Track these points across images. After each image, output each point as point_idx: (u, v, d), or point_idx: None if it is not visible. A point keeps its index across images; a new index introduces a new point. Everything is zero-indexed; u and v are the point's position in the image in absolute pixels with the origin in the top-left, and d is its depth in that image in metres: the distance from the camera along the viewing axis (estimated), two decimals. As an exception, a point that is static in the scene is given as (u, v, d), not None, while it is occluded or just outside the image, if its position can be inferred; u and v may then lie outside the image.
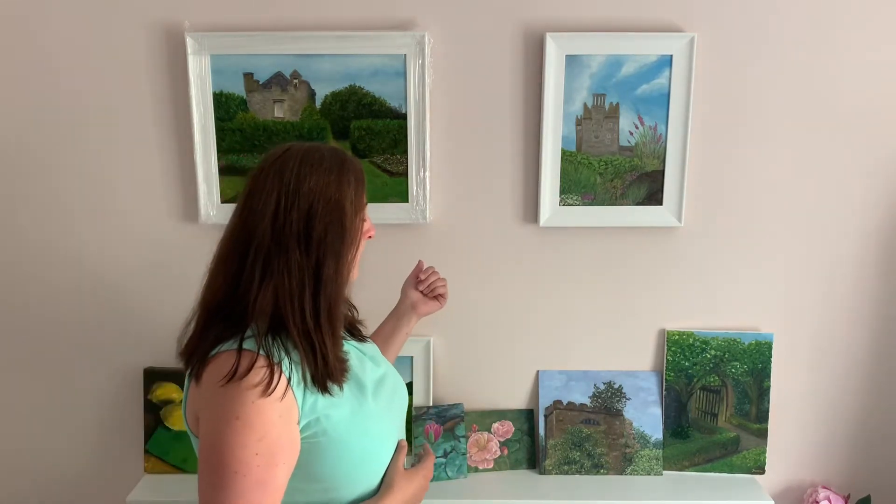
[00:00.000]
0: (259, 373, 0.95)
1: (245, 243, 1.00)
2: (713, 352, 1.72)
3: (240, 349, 0.97)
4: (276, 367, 0.96)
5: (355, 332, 1.25)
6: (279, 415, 0.96)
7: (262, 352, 0.97)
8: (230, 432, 0.93)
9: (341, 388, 1.04)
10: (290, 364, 0.99)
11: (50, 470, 1.79)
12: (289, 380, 0.98)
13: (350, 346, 1.16)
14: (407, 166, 1.63)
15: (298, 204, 1.00)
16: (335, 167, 1.04)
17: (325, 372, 1.01)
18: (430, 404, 1.73)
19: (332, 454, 1.03)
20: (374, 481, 1.10)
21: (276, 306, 0.99)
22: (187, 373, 1.03)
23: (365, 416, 1.07)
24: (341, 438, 1.03)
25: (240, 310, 1.00)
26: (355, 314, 1.27)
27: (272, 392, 0.95)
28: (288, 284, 0.99)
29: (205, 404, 0.98)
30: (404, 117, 1.60)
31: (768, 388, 1.72)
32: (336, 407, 1.02)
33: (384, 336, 1.42)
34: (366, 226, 1.12)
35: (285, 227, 0.99)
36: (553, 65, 1.58)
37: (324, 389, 1.01)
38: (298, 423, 0.99)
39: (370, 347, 1.24)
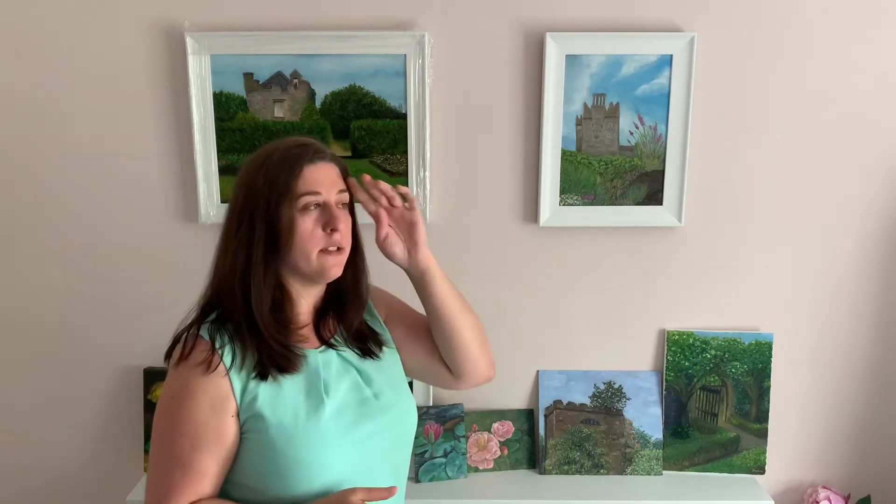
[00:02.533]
0: (199, 355, 1.01)
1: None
2: (713, 352, 1.72)
3: (187, 332, 1.05)
4: (216, 352, 1.02)
5: (366, 346, 1.16)
6: (210, 402, 1.00)
7: (206, 336, 1.03)
8: (164, 410, 1.03)
9: (275, 377, 1.04)
10: (233, 350, 1.03)
11: (50, 470, 1.79)
12: (228, 367, 1.02)
13: (335, 357, 1.11)
14: (407, 166, 1.63)
15: (236, 197, 1.06)
16: (264, 156, 1.07)
17: (266, 357, 1.03)
18: (430, 404, 1.73)
19: (257, 455, 1.03)
20: (314, 496, 1.03)
21: (218, 293, 1.06)
22: None
23: (311, 429, 1.03)
24: (271, 443, 1.02)
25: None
26: (376, 327, 1.20)
27: (211, 372, 1.00)
28: (222, 272, 1.05)
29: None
30: (404, 117, 1.60)
31: (768, 388, 1.72)
32: (275, 410, 1.02)
33: (433, 318, 1.18)
34: (320, 218, 1.05)
35: (226, 221, 1.07)
36: (553, 65, 1.58)
37: (263, 376, 1.03)
38: (238, 416, 1.02)
39: (375, 366, 1.16)
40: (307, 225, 1.05)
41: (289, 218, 1.04)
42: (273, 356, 1.04)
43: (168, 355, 1.06)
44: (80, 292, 1.70)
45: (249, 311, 1.03)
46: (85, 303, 1.70)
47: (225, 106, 1.60)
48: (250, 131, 1.61)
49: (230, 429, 1.02)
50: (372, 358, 1.16)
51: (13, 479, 1.79)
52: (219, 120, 1.61)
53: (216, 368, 1.01)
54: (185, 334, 1.05)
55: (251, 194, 1.04)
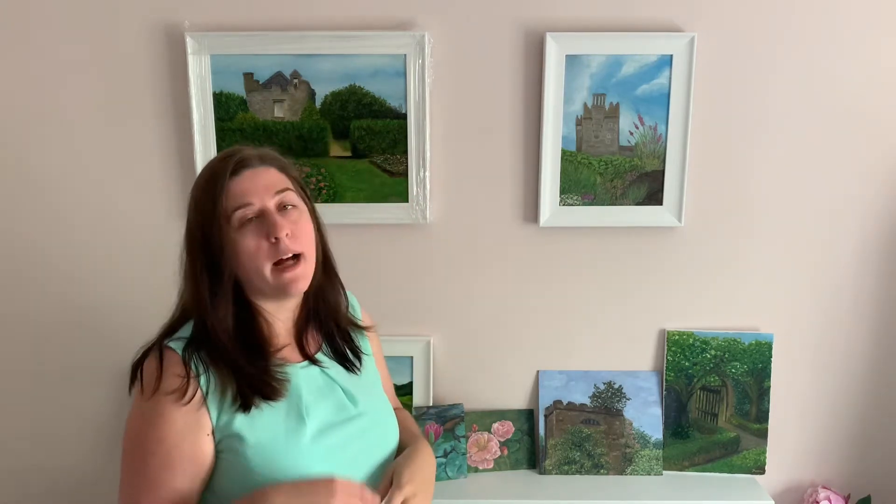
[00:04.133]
0: (174, 381, 0.96)
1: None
2: (713, 352, 1.72)
3: (160, 347, 1.00)
4: (192, 380, 0.97)
5: (347, 362, 1.13)
6: (184, 423, 0.96)
7: (183, 357, 0.98)
8: (134, 427, 0.98)
9: (258, 404, 0.98)
10: (210, 378, 0.98)
11: (50, 470, 1.79)
12: (205, 395, 0.97)
13: (318, 374, 1.08)
14: (407, 166, 1.63)
15: (187, 218, 1.03)
16: (201, 176, 1.02)
17: (246, 389, 0.98)
18: (430, 404, 1.73)
19: (240, 476, 0.98)
20: None
21: (185, 319, 1.03)
22: None
23: (290, 451, 0.99)
24: (250, 464, 0.97)
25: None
26: (355, 334, 1.17)
27: (185, 403, 0.95)
28: (186, 299, 1.03)
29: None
30: (404, 117, 1.60)
31: (768, 388, 1.72)
32: (253, 431, 0.98)
33: None
34: (263, 228, 0.98)
35: (182, 248, 1.04)
36: (553, 65, 1.58)
37: (245, 407, 0.97)
38: (213, 435, 0.98)
39: (357, 380, 1.13)
40: (249, 241, 0.97)
41: (229, 239, 0.97)
42: (254, 384, 0.98)
43: (135, 370, 1.00)
44: (79, 292, 1.70)
45: (215, 340, 0.98)
46: (85, 302, 1.70)
47: (225, 106, 1.60)
48: (250, 131, 1.61)
49: (205, 448, 0.97)
50: (355, 373, 1.12)
51: (12, 480, 1.79)
52: (219, 120, 1.60)
53: (192, 398, 0.96)
54: (158, 352, 0.99)
55: (189, 224, 1.01)
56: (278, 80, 1.59)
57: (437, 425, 1.72)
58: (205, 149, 1.61)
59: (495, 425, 1.76)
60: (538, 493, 1.67)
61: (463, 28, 1.58)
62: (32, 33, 1.58)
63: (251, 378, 0.98)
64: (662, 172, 1.64)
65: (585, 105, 1.61)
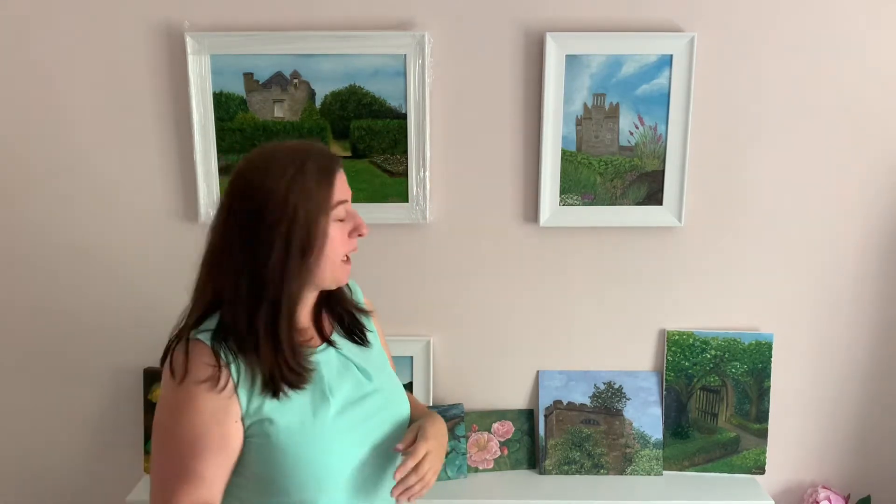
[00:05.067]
0: (206, 370, 0.99)
1: (210, 244, 1.05)
2: (713, 352, 1.72)
3: (188, 339, 1.01)
4: (223, 369, 0.99)
5: (356, 336, 1.20)
6: (212, 411, 0.99)
7: (213, 347, 1.00)
8: (165, 417, 1.01)
9: (286, 393, 1.02)
10: (240, 366, 1.01)
11: (50, 470, 1.79)
12: (236, 383, 1.00)
13: (334, 355, 1.13)
14: (407, 166, 1.63)
15: (246, 206, 1.01)
16: (290, 166, 1.01)
17: (278, 377, 1.01)
18: (430, 404, 1.73)
19: (270, 458, 1.03)
20: (322, 495, 1.05)
21: (223, 307, 1.03)
22: None
23: (317, 430, 1.05)
24: (282, 446, 1.02)
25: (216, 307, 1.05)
26: (360, 316, 1.23)
27: (218, 391, 0.98)
28: (230, 287, 1.02)
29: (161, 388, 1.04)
30: (404, 117, 1.60)
31: (768, 388, 1.72)
32: (283, 414, 1.02)
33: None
34: (348, 224, 1.08)
35: (233, 228, 1.02)
36: (553, 65, 1.58)
37: (275, 394, 1.02)
38: (242, 421, 1.01)
39: (368, 357, 1.19)
40: (338, 233, 1.05)
41: (324, 228, 1.02)
42: (285, 374, 1.02)
43: (164, 361, 1.04)
44: (80, 292, 1.70)
45: (256, 330, 1.00)
46: (85, 302, 1.70)
47: (225, 106, 1.60)
48: (250, 131, 1.61)
49: (234, 434, 1.01)
50: (365, 346, 1.19)
51: (13, 479, 1.79)
52: (219, 120, 1.61)
53: (225, 386, 0.99)
54: (185, 344, 1.01)
55: (280, 207, 0.99)
56: (278, 80, 1.59)
57: (437, 425, 1.72)
58: (205, 149, 1.61)
59: (495, 425, 1.76)
60: (538, 493, 1.67)
61: (463, 28, 1.58)
62: (33, 33, 1.58)
63: (283, 367, 1.02)
64: (662, 172, 1.64)
65: (585, 105, 1.61)
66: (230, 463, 1.02)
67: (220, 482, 1.01)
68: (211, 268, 1.04)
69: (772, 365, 1.72)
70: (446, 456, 1.70)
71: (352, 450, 1.08)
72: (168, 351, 1.04)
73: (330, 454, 1.05)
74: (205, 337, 1.02)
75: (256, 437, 1.02)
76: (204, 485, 0.99)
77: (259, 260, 1.00)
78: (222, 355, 1.00)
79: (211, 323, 1.04)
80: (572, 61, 1.58)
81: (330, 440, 1.05)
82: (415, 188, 1.63)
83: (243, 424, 1.02)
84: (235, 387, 1.00)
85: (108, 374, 1.74)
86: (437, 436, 1.13)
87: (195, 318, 1.05)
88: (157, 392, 1.71)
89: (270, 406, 1.02)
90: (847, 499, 1.75)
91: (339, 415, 1.07)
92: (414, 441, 1.10)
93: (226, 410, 1.00)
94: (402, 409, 1.19)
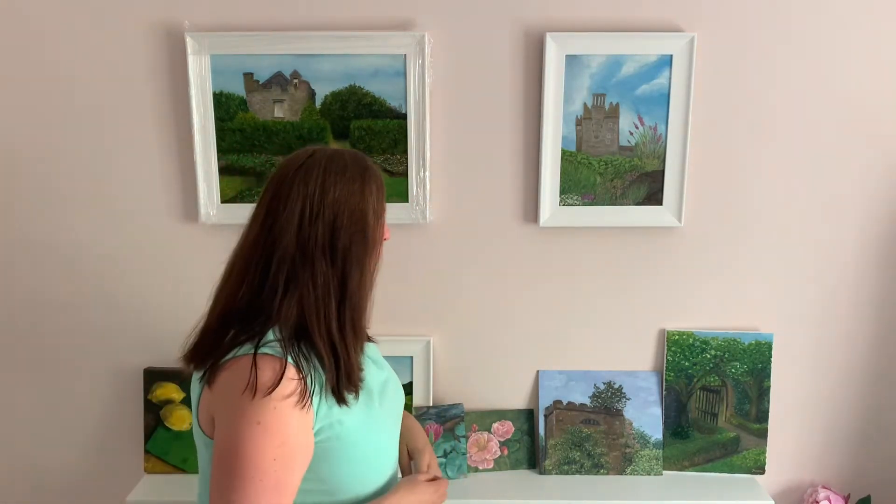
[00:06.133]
0: (290, 384, 0.96)
1: (268, 252, 1.00)
2: (713, 352, 1.72)
3: (255, 353, 0.97)
4: (305, 383, 0.98)
5: None
6: (298, 424, 0.97)
7: (290, 361, 0.98)
8: (250, 437, 0.94)
9: (357, 398, 1.06)
10: (313, 376, 1.00)
11: (50, 470, 1.79)
12: (311, 394, 0.99)
13: None
14: (407, 166, 1.63)
15: (324, 215, 1.01)
16: (358, 176, 1.04)
17: (346, 383, 1.04)
18: (430, 404, 1.73)
19: (340, 457, 1.05)
20: (376, 482, 1.12)
21: (300, 317, 1.01)
22: (199, 376, 1.03)
23: (373, 421, 1.10)
24: (351, 442, 1.05)
25: (260, 317, 1.01)
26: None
27: (304, 406, 0.97)
28: (314, 296, 1.00)
29: (223, 407, 0.97)
30: (404, 117, 1.60)
31: (768, 388, 1.72)
32: (349, 413, 1.05)
33: None
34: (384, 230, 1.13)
35: (310, 238, 1.00)
36: (553, 65, 1.58)
37: (340, 400, 1.03)
38: (313, 427, 1.01)
39: (373, 349, 1.25)
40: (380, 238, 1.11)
41: (382, 234, 1.10)
42: (353, 385, 1.05)
43: (210, 378, 0.99)
44: (80, 292, 1.70)
45: (334, 341, 1.02)
46: (85, 302, 1.70)
47: (225, 106, 1.60)
48: (250, 131, 1.61)
49: (311, 441, 1.01)
50: (369, 341, 1.24)
51: (13, 479, 1.79)
52: (219, 120, 1.61)
53: (308, 401, 0.98)
54: (252, 356, 0.96)
55: (358, 215, 1.03)
56: (278, 80, 1.59)
57: (437, 425, 1.72)
58: (205, 149, 1.61)
59: (495, 425, 1.76)
60: (538, 493, 1.67)
61: (463, 28, 1.58)
62: (33, 33, 1.57)
63: (354, 374, 1.05)
64: (662, 172, 1.64)
65: (585, 105, 1.61)
66: (304, 470, 1.01)
67: (296, 489, 1.00)
68: (287, 281, 1.00)
69: (772, 365, 1.72)
70: (446, 456, 1.70)
71: (392, 434, 1.17)
72: (218, 365, 0.99)
73: (382, 441, 1.13)
74: (276, 350, 0.99)
75: (328, 440, 1.03)
76: (291, 497, 0.98)
77: (342, 269, 1.02)
78: (302, 368, 0.99)
79: (272, 335, 1.01)
80: (572, 61, 1.58)
81: (378, 428, 1.11)
82: (415, 188, 1.63)
83: (313, 429, 1.01)
84: (311, 397, 0.99)
85: (108, 373, 1.74)
86: (428, 443, 1.27)
87: (255, 332, 1.00)
88: (158, 392, 1.71)
89: (338, 408, 1.03)
90: (847, 499, 1.75)
91: (380, 403, 1.13)
92: (406, 456, 1.28)
93: (308, 422, 0.99)
94: (402, 392, 1.27)
